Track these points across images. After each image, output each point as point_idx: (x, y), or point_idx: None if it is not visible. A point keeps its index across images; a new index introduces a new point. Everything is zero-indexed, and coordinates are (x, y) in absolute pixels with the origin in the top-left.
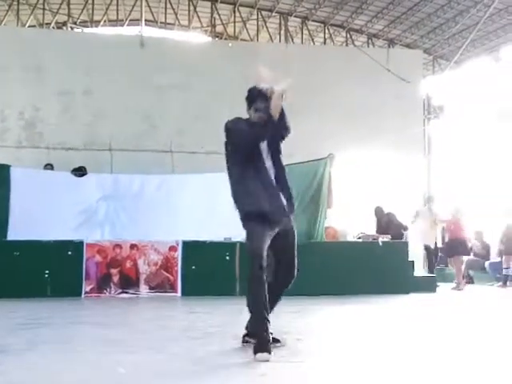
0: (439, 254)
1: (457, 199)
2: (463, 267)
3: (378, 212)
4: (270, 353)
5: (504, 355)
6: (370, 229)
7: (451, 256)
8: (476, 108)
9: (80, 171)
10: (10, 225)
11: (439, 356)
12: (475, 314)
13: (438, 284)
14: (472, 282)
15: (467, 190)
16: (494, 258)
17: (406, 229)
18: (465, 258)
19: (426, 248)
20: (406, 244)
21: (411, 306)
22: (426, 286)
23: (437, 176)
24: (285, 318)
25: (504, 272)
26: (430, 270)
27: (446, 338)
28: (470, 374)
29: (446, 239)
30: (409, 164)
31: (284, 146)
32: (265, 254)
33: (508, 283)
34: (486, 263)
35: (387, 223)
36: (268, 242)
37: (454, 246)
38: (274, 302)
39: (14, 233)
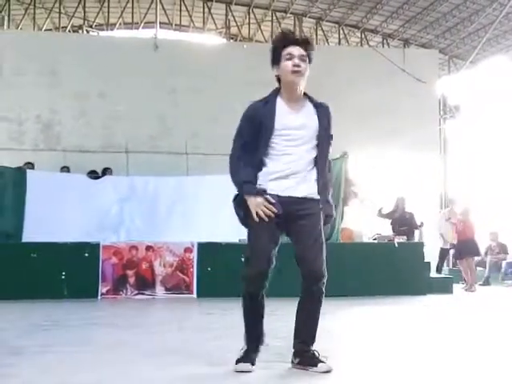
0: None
1: (471, 199)
2: (486, 268)
3: (402, 203)
4: (252, 364)
5: None
6: (386, 229)
7: (461, 258)
8: (492, 107)
9: (104, 173)
10: (25, 227)
11: (454, 360)
12: (494, 316)
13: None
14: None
15: (483, 190)
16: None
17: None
18: (476, 259)
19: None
20: (421, 245)
21: (429, 308)
22: (443, 287)
23: (453, 176)
24: None
25: None
26: (439, 270)
27: (463, 340)
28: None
29: (456, 241)
30: (425, 164)
31: None
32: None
33: None
34: (503, 263)
35: (410, 220)
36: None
37: (463, 248)
38: (303, 322)
39: (30, 235)
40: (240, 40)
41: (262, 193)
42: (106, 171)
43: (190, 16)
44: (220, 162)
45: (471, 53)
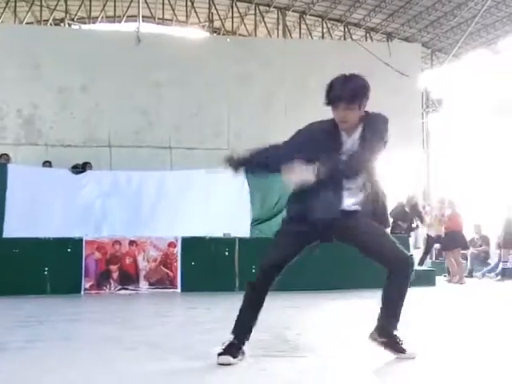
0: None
1: (454, 192)
2: (469, 261)
3: (413, 201)
4: (233, 357)
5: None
6: None
7: (448, 249)
8: (475, 101)
9: (83, 168)
10: (6, 222)
11: (434, 350)
12: (481, 308)
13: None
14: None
15: (466, 183)
16: (494, 251)
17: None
18: (469, 251)
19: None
20: (405, 238)
21: (413, 300)
22: (426, 279)
23: (435, 169)
24: (286, 312)
25: (502, 265)
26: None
27: (450, 333)
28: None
29: (443, 233)
30: (407, 157)
31: (283, 140)
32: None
33: (506, 276)
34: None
35: (411, 219)
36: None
37: (451, 240)
38: (389, 303)
39: (11, 231)
40: (223, 34)
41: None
42: (86, 165)
43: (173, 9)
44: (204, 156)
45: (454, 46)
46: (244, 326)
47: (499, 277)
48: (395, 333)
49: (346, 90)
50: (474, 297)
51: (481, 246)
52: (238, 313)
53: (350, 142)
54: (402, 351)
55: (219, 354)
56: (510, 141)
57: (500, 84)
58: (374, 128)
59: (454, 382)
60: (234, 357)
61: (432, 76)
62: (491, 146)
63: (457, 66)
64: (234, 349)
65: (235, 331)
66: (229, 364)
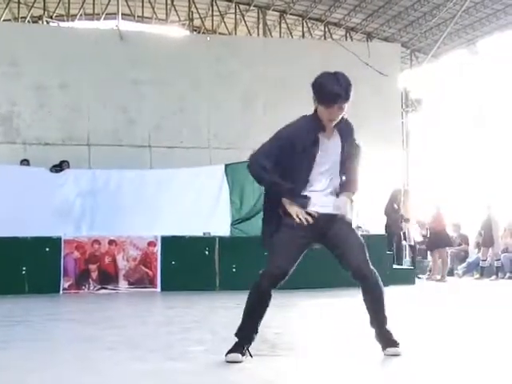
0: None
1: (434, 192)
2: (448, 260)
3: (400, 195)
4: (242, 354)
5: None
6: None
7: (434, 249)
8: (453, 100)
9: (60, 167)
10: None
11: (415, 348)
12: (463, 306)
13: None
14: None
15: (445, 183)
16: (472, 250)
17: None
18: (449, 250)
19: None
20: (384, 237)
21: (393, 299)
22: (405, 278)
23: (415, 169)
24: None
25: (481, 264)
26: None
27: (424, 332)
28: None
29: (428, 233)
30: (387, 157)
31: (263, 139)
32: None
33: (484, 275)
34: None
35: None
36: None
37: (436, 239)
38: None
39: None
40: (203, 32)
41: (305, 204)
42: (63, 164)
43: (153, 7)
44: (184, 155)
45: (433, 47)
46: (247, 332)
47: (478, 275)
48: (386, 327)
49: (344, 88)
50: (455, 295)
51: (460, 244)
52: (242, 316)
53: (331, 144)
54: (394, 345)
55: (228, 352)
56: (488, 140)
57: (478, 84)
58: (352, 138)
59: (440, 379)
60: (243, 354)
61: (411, 76)
62: (470, 145)
63: (436, 66)
64: (241, 348)
65: (239, 335)
66: (238, 361)
